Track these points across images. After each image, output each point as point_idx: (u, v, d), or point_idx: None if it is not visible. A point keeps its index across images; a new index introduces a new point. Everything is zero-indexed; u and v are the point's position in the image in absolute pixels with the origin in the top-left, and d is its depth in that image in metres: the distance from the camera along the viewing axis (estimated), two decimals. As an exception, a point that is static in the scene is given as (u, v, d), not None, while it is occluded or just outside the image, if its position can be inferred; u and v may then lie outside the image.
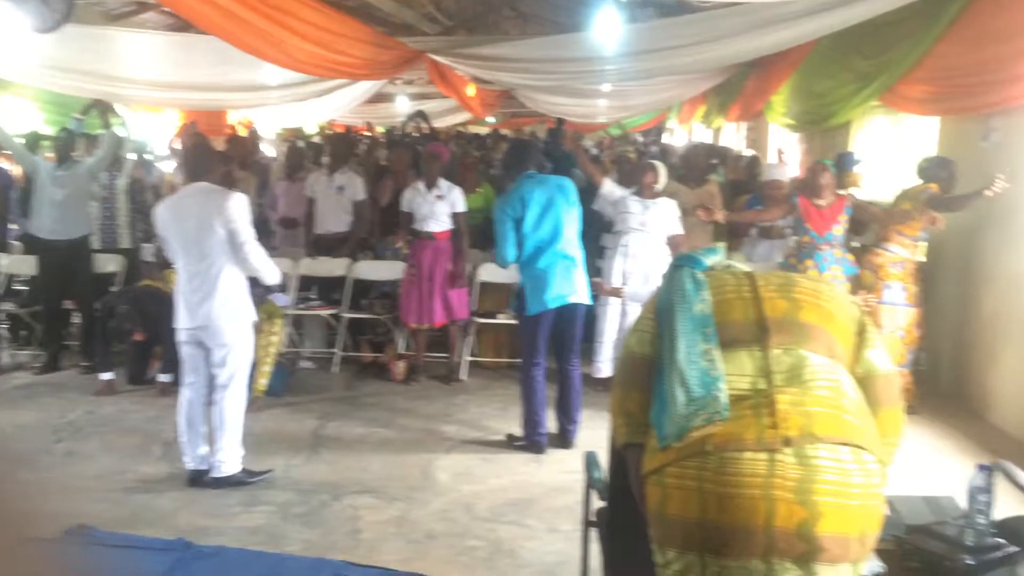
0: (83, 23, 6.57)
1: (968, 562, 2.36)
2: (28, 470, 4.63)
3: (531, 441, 4.96)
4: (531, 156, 5.20)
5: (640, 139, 16.61)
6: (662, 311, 2.06)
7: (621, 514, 2.70)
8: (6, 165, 8.12)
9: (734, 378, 1.89)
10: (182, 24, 10.50)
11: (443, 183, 6.17)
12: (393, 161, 7.57)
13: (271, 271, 4.50)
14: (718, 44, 7.25)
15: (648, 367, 2.06)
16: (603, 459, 2.85)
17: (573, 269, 4.92)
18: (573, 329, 5.01)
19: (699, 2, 6.90)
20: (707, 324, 1.96)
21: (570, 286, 4.88)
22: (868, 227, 6.17)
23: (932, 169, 5.61)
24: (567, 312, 4.91)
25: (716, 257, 2.21)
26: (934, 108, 6.27)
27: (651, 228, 5.80)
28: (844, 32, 6.57)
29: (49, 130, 8.77)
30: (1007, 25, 4.95)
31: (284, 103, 10.20)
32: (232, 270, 4.35)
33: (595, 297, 5.88)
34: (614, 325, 5.96)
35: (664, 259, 5.61)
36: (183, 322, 4.40)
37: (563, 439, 5.01)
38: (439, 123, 15.16)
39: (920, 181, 5.64)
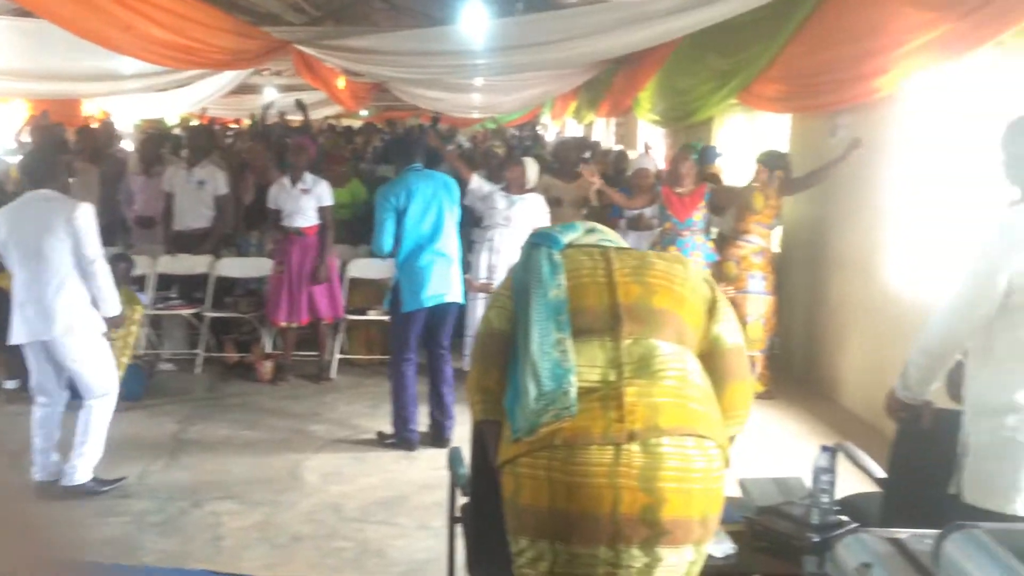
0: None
1: (814, 540, 2.48)
2: None
3: (402, 438, 4.91)
4: (417, 150, 5.15)
5: (516, 133, 16.73)
6: (518, 290, 2.07)
7: (483, 508, 2.71)
8: None
9: (585, 369, 1.92)
10: (25, 8, 9.87)
11: (308, 177, 6.02)
12: (250, 155, 7.34)
13: (113, 302, 4.18)
14: (585, 40, 7.36)
15: (506, 343, 2.06)
16: (468, 454, 2.86)
17: (450, 268, 4.90)
18: (446, 326, 5.00)
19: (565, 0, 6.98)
20: (561, 311, 1.97)
21: (446, 285, 4.85)
22: (726, 210, 6.41)
23: (770, 161, 5.94)
24: (440, 310, 4.89)
25: (574, 234, 2.19)
26: (786, 106, 6.57)
27: (516, 223, 5.81)
28: (704, 32, 6.79)
29: None
30: (851, 28, 5.22)
31: (142, 93, 9.76)
32: (75, 282, 4.07)
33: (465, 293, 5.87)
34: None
35: None
36: (19, 336, 4.10)
37: (437, 435, 4.97)
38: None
39: (766, 168, 5.91)
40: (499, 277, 5.86)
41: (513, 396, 1.96)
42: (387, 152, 8.47)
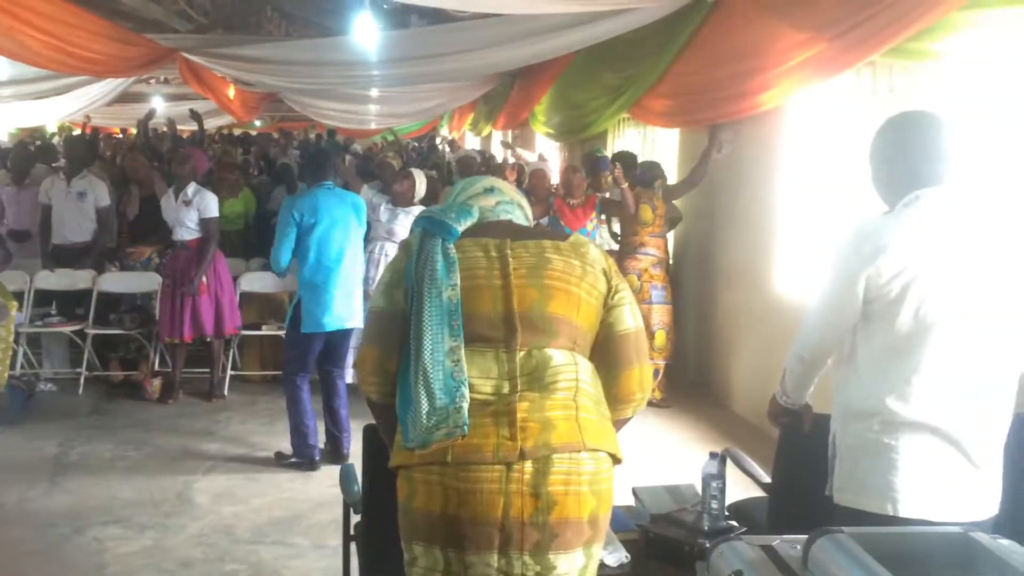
0: None
1: (706, 545, 2.54)
2: None
3: (301, 454, 4.79)
4: (330, 165, 5.01)
5: (415, 144, 16.66)
6: (410, 281, 1.98)
7: (376, 526, 2.69)
8: None
9: (478, 381, 1.91)
10: None
11: (191, 188, 5.82)
12: (129, 168, 7.08)
13: None
14: (479, 53, 7.43)
15: (402, 321, 1.98)
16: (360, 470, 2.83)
17: (354, 292, 4.83)
18: (343, 349, 4.94)
19: (457, 12, 7.02)
20: (455, 315, 1.92)
21: (349, 311, 4.77)
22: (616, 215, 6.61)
23: (649, 171, 6.26)
24: (340, 334, 4.82)
25: (469, 221, 2.07)
26: (673, 120, 6.79)
27: (399, 236, 5.71)
28: (597, 48, 6.95)
29: None
30: (731, 49, 5.43)
31: (17, 100, 9.32)
32: None
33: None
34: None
35: None
36: None
37: (334, 450, 4.89)
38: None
39: (640, 185, 6.14)
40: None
41: (404, 404, 1.93)
42: (282, 170, 8.29)
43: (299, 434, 4.79)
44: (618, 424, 2.09)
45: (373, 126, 15.60)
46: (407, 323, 1.96)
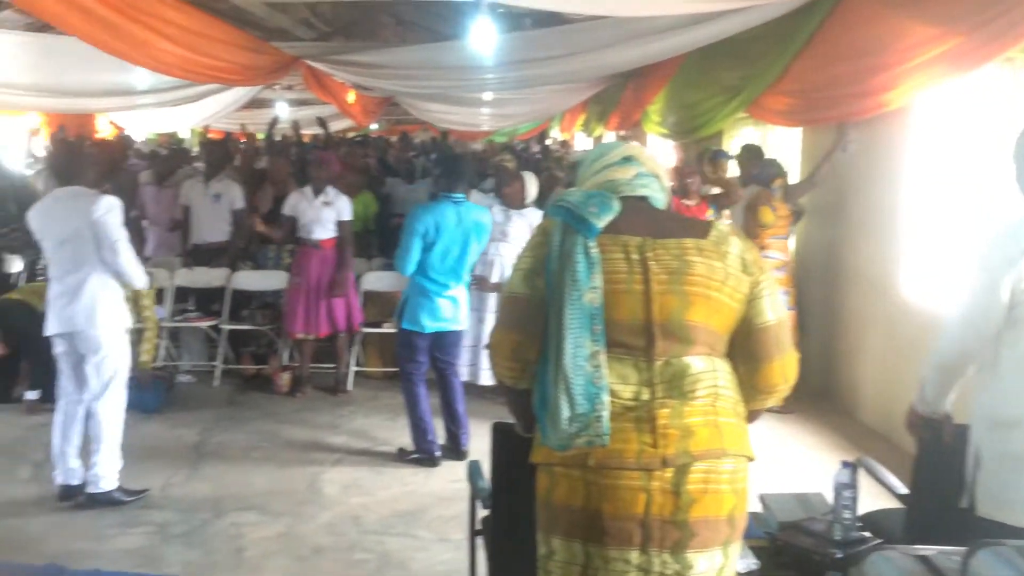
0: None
1: (837, 556, 2.52)
2: None
3: (422, 450, 4.93)
4: (465, 174, 5.00)
5: (526, 146, 16.77)
6: (551, 274, 1.95)
7: (504, 521, 2.76)
8: None
9: (618, 387, 1.91)
10: (43, 23, 10.00)
11: (330, 190, 6.09)
12: (272, 170, 7.43)
13: (139, 275, 4.35)
14: (592, 55, 7.44)
15: (539, 307, 1.97)
16: (487, 468, 2.91)
17: (460, 298, 4.95)
18: (455, 347, 5.07)
19: (571, 15, 7.05)
20: (596, 320, 1.90)
21: (452, 315, 4.91)
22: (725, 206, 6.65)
23: (767, 170, 6.08)
24: (446, 333, 4.95)
25: (609, 216, 1.98)
26: (795, 119, 6.62)
27: (512, 238, 5.79)
28: (712, 46, 6.85)
29: None
30: (859, 43, 5.27)
31: (154, 108, 9.85)
32: (103, 275, 4.21)
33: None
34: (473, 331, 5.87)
35: None
36: (52, 328, 4.23)
37: (454, 448, 5.01)
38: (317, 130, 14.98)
39: (758, 186, 6.03)
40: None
41: (542, 403, 1.95)
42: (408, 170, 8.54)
43: (418, 430, 4.94)
44: (756, 414, 2.08)
45: (485, 128, 15.81)
46: (542, 308, 1.96)
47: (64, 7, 4.84)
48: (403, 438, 5.16)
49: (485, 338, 5.94)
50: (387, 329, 6.48)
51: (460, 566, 3.55)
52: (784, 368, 2.03)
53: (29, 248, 6.84)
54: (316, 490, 4.60)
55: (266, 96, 12.96)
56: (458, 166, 5.12)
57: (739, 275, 1.98)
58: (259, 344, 6.76)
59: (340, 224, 6.09)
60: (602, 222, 1.96)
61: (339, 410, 5.96)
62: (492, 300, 5.80)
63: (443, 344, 4.97)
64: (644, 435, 1.89)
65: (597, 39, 7.05)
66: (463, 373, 5.69)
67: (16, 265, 7.14)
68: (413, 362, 4.92)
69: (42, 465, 4.73)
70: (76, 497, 4.28)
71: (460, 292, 4.97)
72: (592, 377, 1.88)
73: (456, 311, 4.93)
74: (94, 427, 4.28)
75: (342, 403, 6.14)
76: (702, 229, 2.04)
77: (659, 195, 2.15)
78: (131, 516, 4.21)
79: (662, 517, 1.88)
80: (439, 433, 5.03)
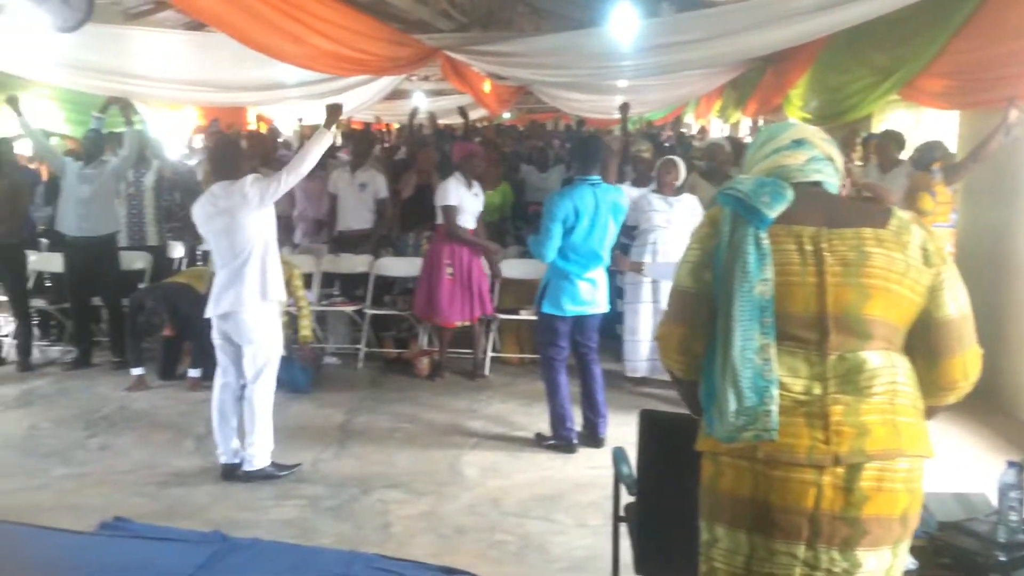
0: (102, 22, 6.64)
1: (1000, 558, 2.41)
2: (64, 464, 4.74)
3: (560, 437, 4.98)
4: (600, 157, 4.94)
5: (667, 132, 16.54)
6: (720, 266, 1.91)
7: (651, 507, 2.77)
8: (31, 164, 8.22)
9: (787, 380, 1.86)
10: (200, 22, 10.59)
11: (476, 182, 6.25)
12: (421, 159, 7.63)
13: (297, 169, 4.51)
14: (734, 38, 7.25)
15: (706, 302, 1.94)
16: (631, 454, 2.92)
17: (598, 283, 4.96)
18: (590, 331, 5.05)
19: (715, -1, 6.91)
20: (767, 312, 1.85)
21: (592, 298, 4.92)
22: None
23: (927, 153, 5.80)
24: (584, 318, 4.96)
25: (784, 204, 1.91)
26: (953, 102, 6.28)
27: (677, 225, 5.81)
28: (859, 27, 6.56)
29: (68, 129, 8.88)
30: (1020, 23, 4.96)
31: (302, 100, 10.27)
32: (257, 263, 4.43)
33: (620, 292, 5.92)
34: (648, 324, 5.92)
35: None
36: (211, 310, 4.50)
37: (591, 435, 5.04)
38: (450, 119, 15.26)
39: (917, 170, 5.75)
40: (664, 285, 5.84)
41: (709, 394, 1.92)
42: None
43: (557, 417, 4.98)
44: (935, 411, 2.01)
45: (617, 115, 15.66)
46: (709, 302, 1.94)
47: (224, 6, 5.12)
48: (539, 424, 5.23)
49: (643, 330, 5.98)
50: (524, 316, 6.57)
51: (599, 551, 3.59)
52: (965, 364, 1.95)
53: (189, 234, 7.31)
54: (456, 471, 4.72)
55: (403, 87, 13.31)
56: (592, 149, 5.02)
57: (920, 267, 1.89)
58: (400, 328, 6.99)
59: (479, 215, 6.26)
60: (774, 212, 1.89)
61: (477, 395, 6.09)
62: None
63: (584, 328, 4.99)
64: (816, 431, 1.83)
65: (739, 22, 6.87)
66: (643, 368, 5.73)
67: (178, 251, 7.63)
68: (555, 347, 4.96)
69: (204, 439, 5.06)
70: (235, 473, 4.55)
71: (600, 274, 4.98)
72: (761, 370, 1.84)
73: (596, 293, 4.94)
74: (248, 409, 4.55)
75: (480, 388, 6.27)
76: (881, 217, 1.94)
77: (833, 179, 2.06)
78: (285, 489, 4.45)
79: (832, 513, 1.82)
80: (576, 420, 5.07)
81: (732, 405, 1.84)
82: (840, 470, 1.82)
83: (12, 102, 6.59)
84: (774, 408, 1.83)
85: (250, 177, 4.45)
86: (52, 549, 3.76)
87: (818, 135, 2.09)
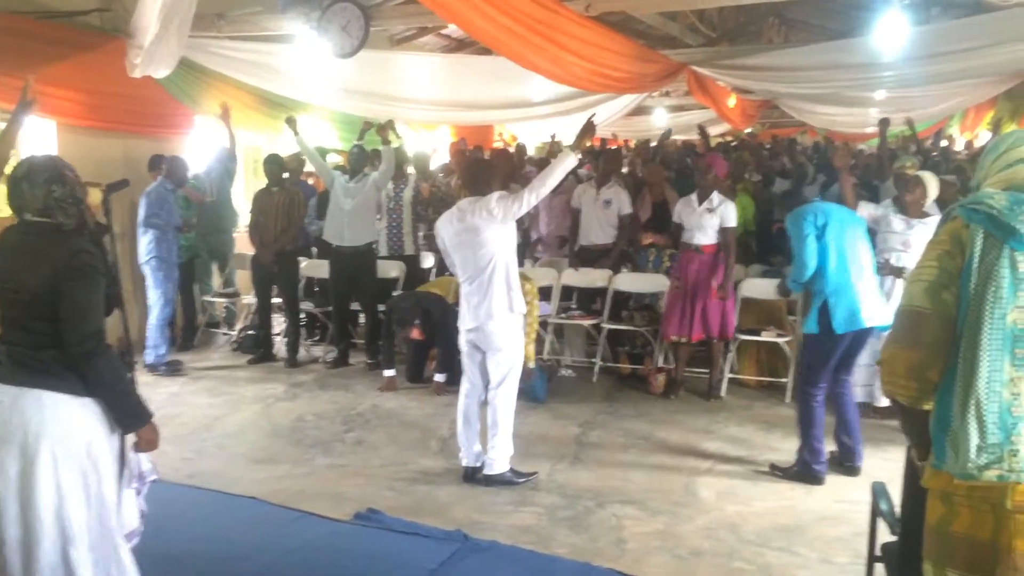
0: (371, 48, 7.20)
1: None
2: (325, 455, 5.15)
3: (807, 469, 4.72)
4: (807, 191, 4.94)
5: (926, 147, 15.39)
6: (966, 289, 1.77)
7: (916, 548, 2.56)
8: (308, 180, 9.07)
9: None
10: (456, 46, 11.22)
11: (715, 196, 6.10)
12: (648, 174, 7.62)
13: (537, 191, 4.53)
14: (1016, 46, 6.63)
15: (943, 325, 1.79)
16: (894, 490, 2.72)
17: (876, 290, 4.70)
18: (860, 353, 4.77)
19: (999, 1, 6.30)
20: (1020, 343, 1.70)
21: (879, 307, 4.61)
22: None
23: None
24: (863, 335, 4.64)
25: None
26: None
27: (915, 249, 5.28)
28: None
29: (341, 146, 9.70)
30: None
31: (548, 118, 10.57)
32: (502, 274, 4.56)
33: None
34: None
35: None
36: (465, 323, 4.68)
37: (846, 463, 4.78)
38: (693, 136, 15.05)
39: None
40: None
41: (941, 426, 1.79)
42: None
43: (810, 449, 4.70)
44: None
45: (869, 130, 14.77)
46: (953, 329, 1.79)
47: (490, 25, 5.40)
48: (778, 451, 5.03)
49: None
50: (765, 337, 6.34)
51: (847, 592, 3.38)
52: None
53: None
54: (692, 492, 4.62)
55: (645, 104, 13.33)
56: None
57: None
58: (635, 344, 6.97)
59: (723, 231, 6.06)
60: None
61: (713, 416, 5.94)
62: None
63: (857, 346, 4.69)
64: None
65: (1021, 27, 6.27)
66: (858, 394, 5.37)
67: (429, 260, 8.08)
68: (824, 372, 4.66)
69: (447, 440, 5.31)
70: (476, 476, 4.73)
71: (879, 288, 4.74)
72: (1010, 405, 1.70)
73: (879, 304, 4.64)
74: (491, 414, 4.70)
75: (715, 409, 6.11)
76: None
77: None
78: (523, 496, 4.56)
79: None
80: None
81: (974, 441, 1.71)
82: None
83: (290, 122, 7.27)
84: (1022, 448, 1.69)
85: (496, 194, 4.59)
86: (314, 534, 4.09)
87: None
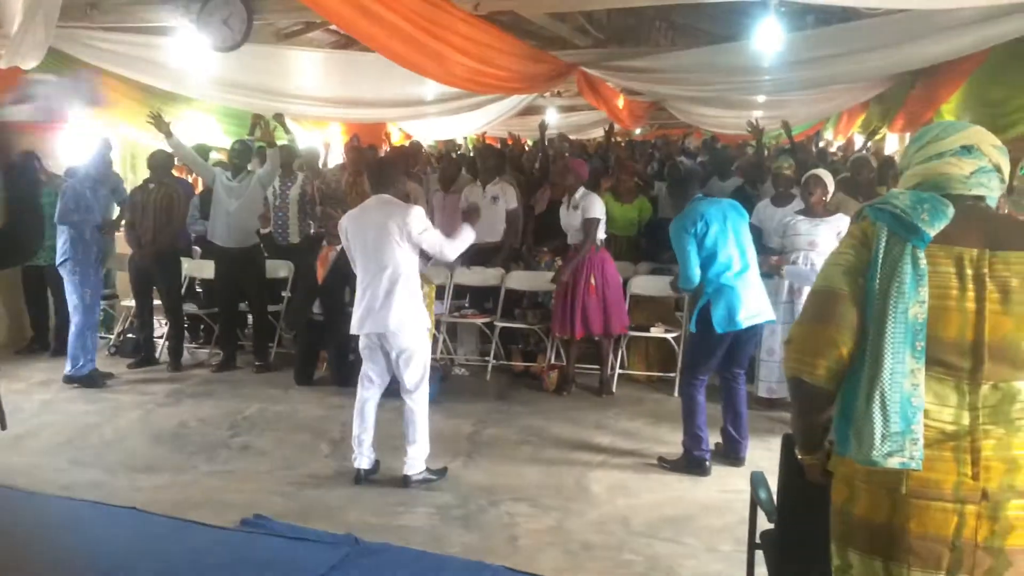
0: (256, 42, 6.99)
1: None
2: (209, 462, 4.98)
3: (694, 459, 4.84)
4: (693, 187, 4.98)
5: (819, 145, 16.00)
6: (872, 284, 1.83)
7: (793, 537, 2.65)
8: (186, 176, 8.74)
9: (934, 408, 1.80)
10: (346, 41, 11.03)
11: (578, 193, 6.18)
12: (556, 173, 7.67)
13: (452, 249, 4.71)
14: (886, 52, 6.97)
15: (855, 307, 1.85)
16: (771, 480, 2.81)
17: (760, 286, 4.81)
18: (748, 349, 4.93)
19: (867, 9, 6.62)
20: (919, 336, 1.78)
21: (761, 305, 4.75)
22: None
23: None
24: (749, 332, 4.78)
25: (944, 223, 1.80)
26: None
27: (822, 247, 5.48)
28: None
29: (227, 141, 9.40)
30: None
31: (439, 116, 10.52)
32: (408, 279, 4.51)
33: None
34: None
35: None
36: (362, 328, 4.58)
37: (731, 453, 4.94)
38: (583, 135, 15.27)
39: None
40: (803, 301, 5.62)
41: (845, 416, 1.86)
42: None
43: (694, 439, 4.84)
44: None
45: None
46: (863, 316, 1.85)
47: (376, 26, 5.29)
48: (667, 443, 5.15)
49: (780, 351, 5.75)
50: (654, 333, 6.48)
51: (731, 578, 3.48)
52: None
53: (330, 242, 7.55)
54: (584, 487, 4.68)
55: (537, 103, 13.43)
56: (685, 186, 4.98)
57: None
58: (528, 342, 7.01)
59: (584, 221, 6.12)
60: (934, 230, 1.81)
61: (604, 411, 6.03)
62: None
63: (744, 342, 4.82)
64: (964, 466, 1.77)
65: (892, 35, 6.60)
66: (781, 390, 5.56)
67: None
68: (705, 369, 4.82)
69: (338, 443, 5.22)
70: (369, 479, 4.66)
71: (761, 285, 4.82)
72: (910, 396, 1.78)
73: (762, 301, 4.77)
74: (410, 418, 4.64)
75: (607, 404, 6.21)
76: None
77: (995, 193, 1.94)
78: (415, 496, 4.52)
79: (975, 542, 1.75)
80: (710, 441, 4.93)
81: (879, 429, 1.78)
82: (984, 499, 1.75)
83: (160, 125, 6.80)
84: (921, 437, 1.77)
85: (417, 211, 4.53)
86: (198, 543, 3.94)
87: (989, 141, 1.96)
